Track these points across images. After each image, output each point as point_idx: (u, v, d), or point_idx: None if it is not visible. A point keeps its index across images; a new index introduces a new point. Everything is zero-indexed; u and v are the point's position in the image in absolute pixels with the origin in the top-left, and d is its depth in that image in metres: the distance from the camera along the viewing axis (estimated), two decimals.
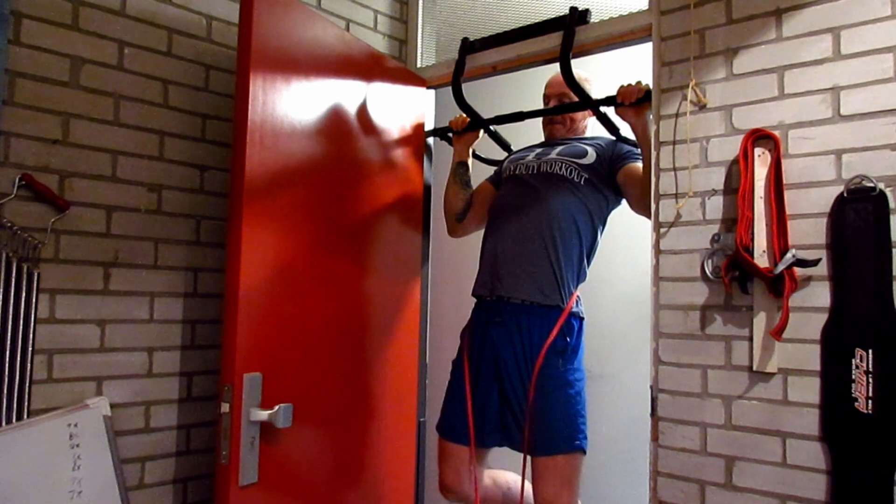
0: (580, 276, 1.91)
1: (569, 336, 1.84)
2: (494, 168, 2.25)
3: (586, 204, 1.90)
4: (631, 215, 1.93)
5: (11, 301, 1.39)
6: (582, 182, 1.90)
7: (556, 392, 1.80)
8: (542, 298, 1.84)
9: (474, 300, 2.02)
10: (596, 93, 1.90)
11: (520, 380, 1.84)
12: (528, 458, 1.84)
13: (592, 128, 2.13)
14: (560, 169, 1.92)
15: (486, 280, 1.94)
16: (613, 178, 1.91)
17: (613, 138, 1.99)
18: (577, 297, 1.90)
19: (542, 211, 1.88)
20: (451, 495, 1.95)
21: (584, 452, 1.82)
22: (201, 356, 1.72)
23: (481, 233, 2.16)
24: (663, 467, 1.51)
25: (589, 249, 1.92)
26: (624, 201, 1.95)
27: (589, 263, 1.95)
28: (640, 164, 1.84)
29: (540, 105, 2.06)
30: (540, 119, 2.06)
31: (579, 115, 2.08)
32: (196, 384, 1.71)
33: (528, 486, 1.89)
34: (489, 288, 1.93)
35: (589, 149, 1.96)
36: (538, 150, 2.04)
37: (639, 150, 1.84)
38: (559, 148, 2.01)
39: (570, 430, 1.79)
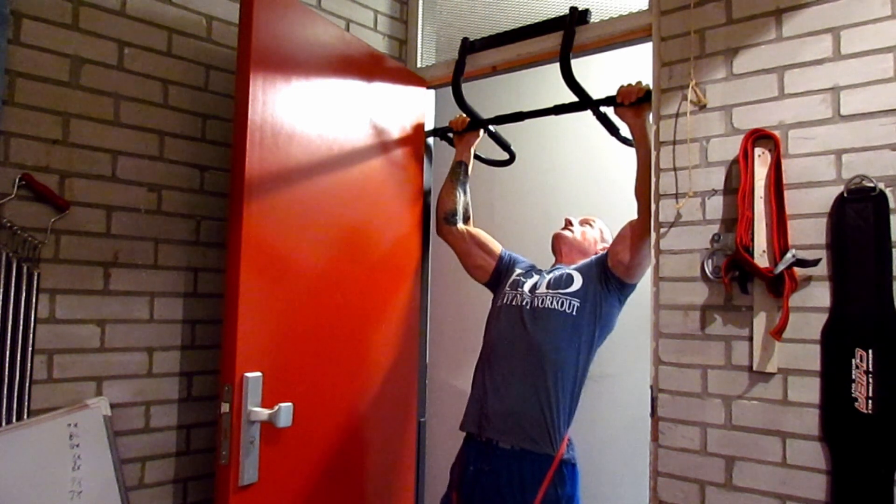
0: (571, 415, 1.86)
1: (560, 487, 1.78)
2: (497, 172, 2.25)
3: (579, 336, 1.84)
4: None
5: (11, 301, 1.39)
6: (574, 312, 1.85)
7: None
8: (531, 445, 1.79)
9: (474, 302, 2.01)
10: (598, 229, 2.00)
11: None
12: None
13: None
14: (552, 303, 1.88)
15: (476, 418, 1.90)
16: (606, 271, 1.87)
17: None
18: (569, 440, 1.85)
19: (534, 354, 1.83)
20: None
21: None
22: (201, 356, 1.72)
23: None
24: (663, 467, 1.51)
25: (580, 384, 1.87)
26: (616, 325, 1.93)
27: (580, 393, 1.89)
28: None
29: (539, 105, 2.06)
30: (539, 119, 2.06)
31: (588, 235, 2.06)
32: (196, 384, 1.71)
33: None
34: (478, 427, 1.88)
35: (574, 273, 1.93)
36: (533, 280, 1.98)
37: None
38: (548, 278, 1.96)
39: None
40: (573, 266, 1.98)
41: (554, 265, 2.06)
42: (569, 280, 1.92)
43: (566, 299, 1.87)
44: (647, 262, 1.66)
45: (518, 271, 2.06)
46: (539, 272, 2.03)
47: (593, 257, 1.97)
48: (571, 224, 2.09)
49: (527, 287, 1.97)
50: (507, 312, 1.96)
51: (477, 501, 1.85)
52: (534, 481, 1.78)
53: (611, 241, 2.05)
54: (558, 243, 2.08)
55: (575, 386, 1.84)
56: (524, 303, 1.93)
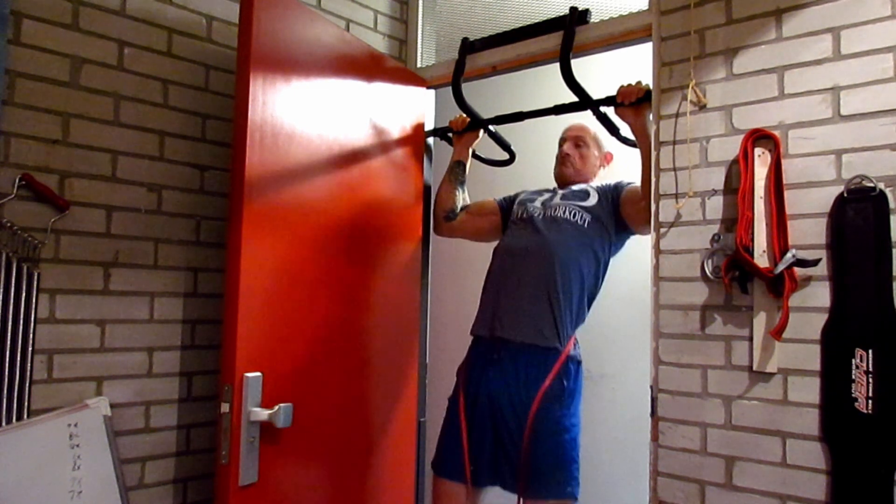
0: (579, 319, 1.90)
1: (566, 379, 1.82)
2: (496, 171, 2.25)
3: (591, 247, 1.89)
4: None
5: (11, 301, 1.39)
6: (586, 225, 1.90)
7: (551, 437, 1.79)
8: (540, 340, 1.83)
9: (473, 301, 2.02)
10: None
11: (515, 421, 1.82)
12: (521, 501, 1.81)
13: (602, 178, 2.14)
14: (564, 213, 1.93)
15: (487, 321, 1.93)
16: (617, 211, 1.91)
17: (615, 181, 2.00)
18: (576, 340, 1.89)
19: (545, 254, 1.87)
20: None
21: (576, 499, 1.80)
22: (201, 356, 1.72)
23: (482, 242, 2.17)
24: (663, 467, 1.51)
25: (590, 293, 1.91)
26: (627, 244, 1.96)
27: (589, 307, 1.93)
28: (640, 186, 1.84)
29: (539, 105, 2.06)
30: (540, 119, 2.06)
31: (590, 159, 2.09)
32: (196, 384, 1.71)
33: None
34: (489, 328, 1.91)
35: (591, 191, 1.98)
36: (544, 197, 2.04)
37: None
38: (563, 192, 2.02)
39: (563, 475, 1.78)
40: (591, 184, 2.03)
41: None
42: (584, 195, 1.97)
43: (578, 211, 1.92)
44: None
45: (521, 198, 2.11)
46: (550, 191, 2.08)
47: (610, 186, 1.98)
48: (569, 156, 2.09)
49: (538, 202, 2.02)
50: (519, 224, 2.01)
51: (483, 396, 1.89)
52: (540, 373, 1.82)
53: (606, 150, 2.10)
54: (563, 180, 2.10)
55: (583, 290, 1.88)
56: (536, 214, 1.98)
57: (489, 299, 1.96)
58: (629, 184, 1.94)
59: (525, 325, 1.85)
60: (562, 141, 2.12)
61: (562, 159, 2.11)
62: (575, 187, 2.02)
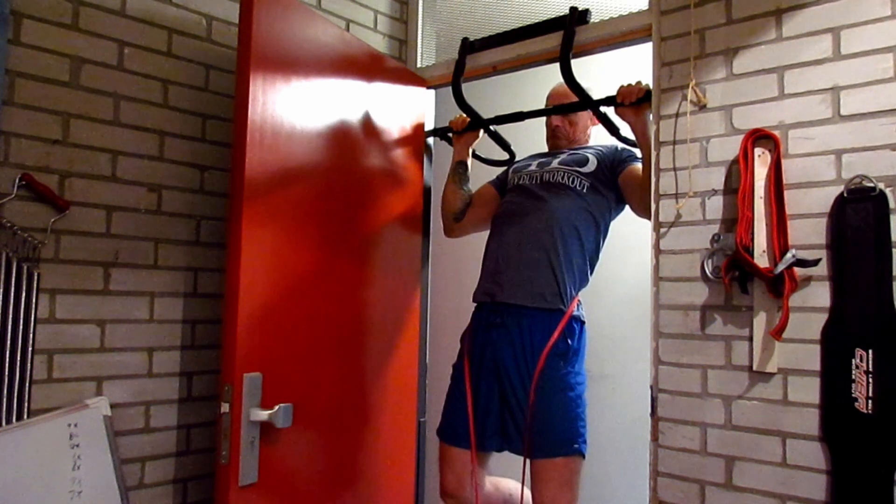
0: (581, 282, 1.91)
1: (570, 338, 1.83)
2: (495, 169, 2.25)
3: (590, 211, 1.90)
4: (631, 215, 1.93)
5: (11, 301, 1.39)
6: (585, 190, 1.91)
7: (556, 395, 1.80)
8: (542, 303, 1.84)
9: (474, 300, 2.02)
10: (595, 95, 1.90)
11: (520, 382, 1.83)
12: (528, 462, 1.83)
13: (596, 136, 2.13)
14: (563, 178, 1.93)
15: (488, 287, 1.94)
16: (615, 182, 1.92)
17: (615, 144, 1.99)
18: (579, 301, 1.90)
19: (544, 217, 1.89)
20: (452, 500, 1.93)
21: (584, 456, 1.80)
22: (201, 356, 1.72)
23: (481, 233, 2.17)
24: (663, 467, 1.51)
25: (591, 256, 1.92)
26: (627, 207, 1.96)
27: (592, 271, 1.94)
28: (640, 166, 1.84)
29: (539, 105, 2.06)
30: (540, 119, 2.06)
31: (580, 125, 2.09)
32: (196, 384, 1.71)
33: (528, 494, 1.88)
34: (490, 294, 1.92)
35: (590, 156, 1.97)
36: (540, 160, 2.05)
37: (639, 152, 1.85)
38: (561, 157, 2.01)
39: (570, 433, 1.79)
40: (590, 148, 2.02)
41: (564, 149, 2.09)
42: (583, 160, 1.97)
43: (577, 177, 1.92)
44: None
45: (516, 165, 2.12)
46: (547, 154, 2.07)
47: (614, 152, 1.97)
48: (558, 127, 2.09)
49: (534, 165, 2.02)
50: (517, 190, 2.02)
51: (488, 359, 1.89)
52: (544, 333, 1.83)
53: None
54: (558, 148, 2.09)
55: (584, 253, 1.89)
56: (533, 178, 1.98)
57: (489, 265, 1.97)
58: (628, 157, 1.93)
59: (527, 289, 1.86)
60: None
61: (552, 132, 2.11)
62: (573, 151, 2.02)
